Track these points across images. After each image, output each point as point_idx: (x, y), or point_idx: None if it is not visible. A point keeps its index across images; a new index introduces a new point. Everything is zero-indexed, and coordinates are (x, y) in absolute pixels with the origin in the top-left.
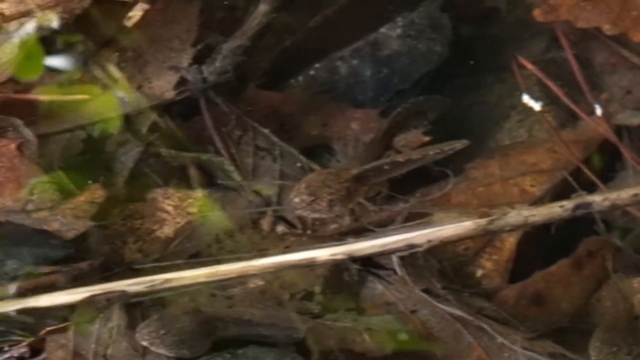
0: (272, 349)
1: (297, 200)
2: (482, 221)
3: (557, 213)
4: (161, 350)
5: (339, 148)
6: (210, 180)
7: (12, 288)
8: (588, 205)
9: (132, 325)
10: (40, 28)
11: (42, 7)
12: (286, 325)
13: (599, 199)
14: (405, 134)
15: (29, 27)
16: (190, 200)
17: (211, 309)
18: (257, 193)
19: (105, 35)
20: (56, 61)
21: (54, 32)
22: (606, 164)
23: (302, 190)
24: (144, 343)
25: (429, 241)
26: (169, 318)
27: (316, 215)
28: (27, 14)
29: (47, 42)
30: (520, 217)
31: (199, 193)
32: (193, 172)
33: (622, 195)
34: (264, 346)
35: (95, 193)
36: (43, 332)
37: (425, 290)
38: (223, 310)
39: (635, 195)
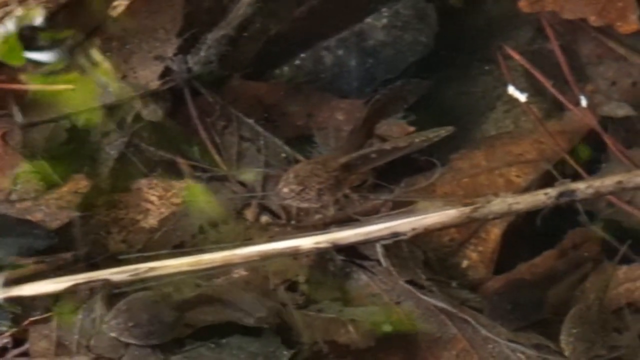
0: (257, 338)
1: (286, 190)
2: (466, 209)
3: (541, 201)
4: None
5: (322, 138)
6: (194, 170)
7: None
8: (572, 192)
9: None
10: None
11: None
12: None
13: (582, 187)
14: (387, 120)
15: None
16: (174, 191)
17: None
18: (241, 183)
19: (90, 25)
20: (40, 55)
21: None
22: (591, 155)
23: (290, 180)
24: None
25: (413, 229)
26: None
27: (305, 205)
28: (9, 3)
29: (30, 37)
30: (504, 205)
31: (183, 183)
32: (184, 165)
33: (605, 182)
34: (248, 336)
35: (79, 183)
36: (26, 322)
37: (410, 282)
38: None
39: (619, 182)
